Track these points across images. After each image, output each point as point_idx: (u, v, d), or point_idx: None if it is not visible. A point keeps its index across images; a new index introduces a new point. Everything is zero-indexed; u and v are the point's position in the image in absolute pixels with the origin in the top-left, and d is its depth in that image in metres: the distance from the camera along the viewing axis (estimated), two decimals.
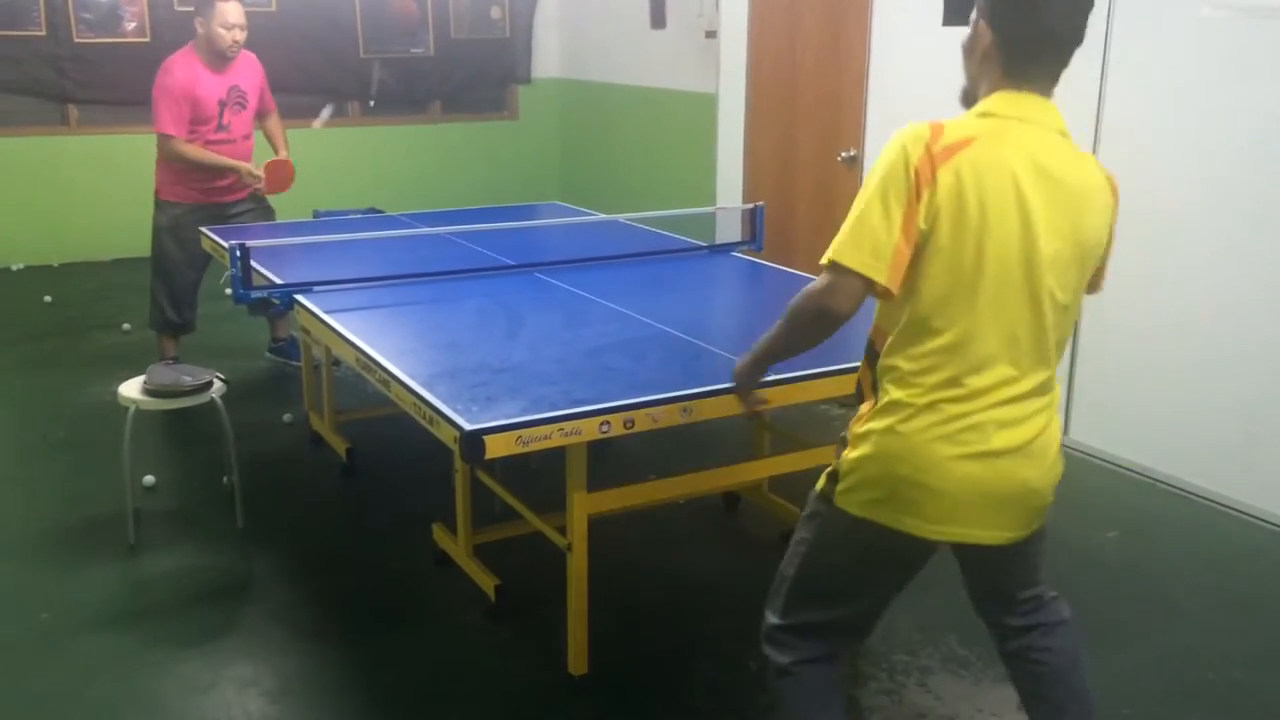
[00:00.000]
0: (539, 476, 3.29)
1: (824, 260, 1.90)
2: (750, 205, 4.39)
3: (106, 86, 7.23)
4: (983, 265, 1.84)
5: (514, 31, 8.56)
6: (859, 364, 2.76)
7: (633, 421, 2.43)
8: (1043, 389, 1.94)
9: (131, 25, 7.27)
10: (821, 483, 2.07)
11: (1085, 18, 1.87)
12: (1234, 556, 3.54)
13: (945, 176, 1.82)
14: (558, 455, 2.56)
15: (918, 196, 1.83)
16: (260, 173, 4.79)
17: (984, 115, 1.90)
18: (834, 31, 5.27)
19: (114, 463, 3.70)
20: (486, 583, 3.13)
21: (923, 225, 1.84)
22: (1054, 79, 1.91)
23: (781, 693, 2.16)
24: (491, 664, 2.91)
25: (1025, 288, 1.86)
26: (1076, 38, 1.87)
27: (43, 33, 7.09)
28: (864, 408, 2.04)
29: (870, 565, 2.07)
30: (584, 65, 8.42)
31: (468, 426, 2.28)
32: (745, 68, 5.89)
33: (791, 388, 2.66)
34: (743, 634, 3.06)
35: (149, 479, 3.94)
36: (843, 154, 5.29)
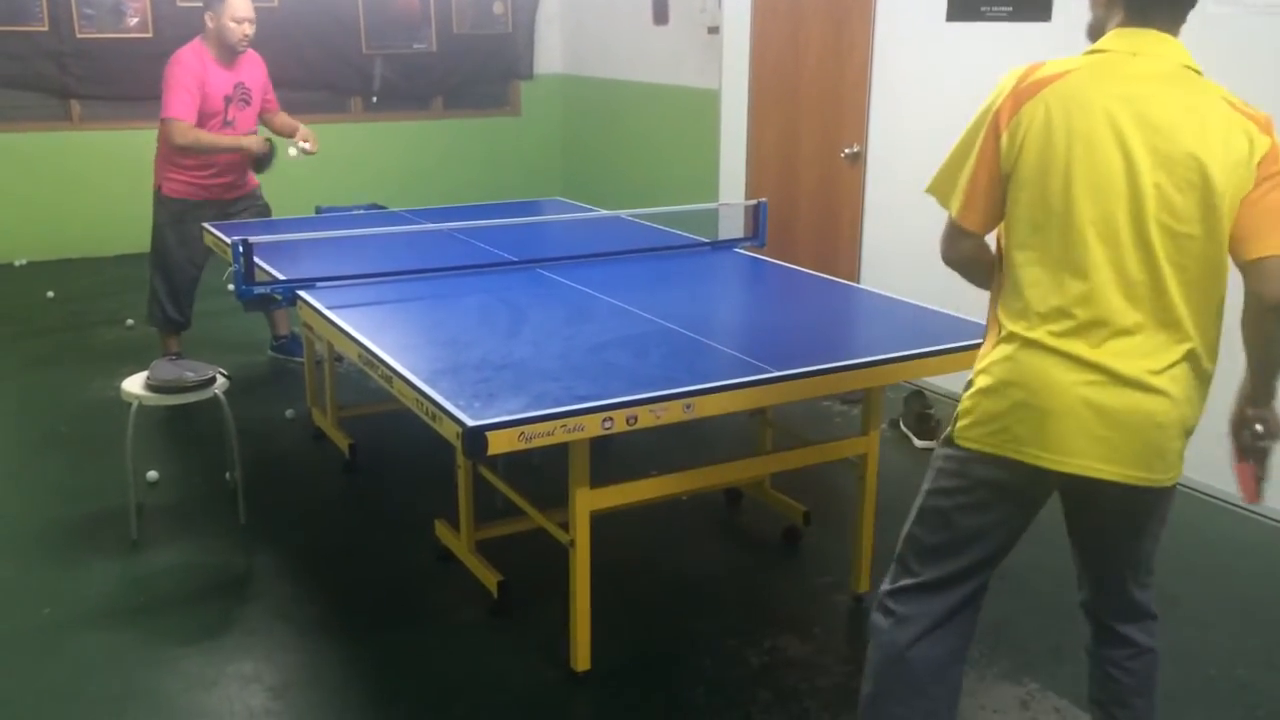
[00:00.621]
0: (541, 472, 3.28)
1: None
2: (753, 201, 4.39)
3: (109, 82, 7.23)
4: (1073, 198, 1.87)
5: (516, 27, 8.55)
6: (859, 361, 2.77)
7: (636, 418, 2.42)
8: (1172, 337, 1.89)
9: (134, 20, 7.27)
10: (946, 430, 2.08)
11: None
12: (1237, 552, 3.54)
13: (1029, 110, 1.90)
14: (560, 451, 2.56)
15: (997, 132, 1.92)
16: (263, 141, 4.73)
17: (1094, 51, 1.96)
18: (837, 27, 5.25)
19: (117, 458, 3.70)
20: (489, 579, 3.13)
21: (1005, 160, 1.91)
22: (1177, 20, 1.95)
23: (881, 635, 2.13)
24: (494, 660, 2.91)
25: (1131, 223, 1.85)
26: None
27: (45, 28, 7.08)
28: (984, 345, 2.06)
29: (989, 506, 2.04)
30: (586, 61, 8.42)
31: (470, 423, 2.28)
32: (748, 63, 5.88)
33: (793, 384, 2.65)
34: (745, 630, 3.07)
35: (152, 474, 3.95)
36: (846, 150, 5.28)
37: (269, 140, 4.77)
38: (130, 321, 5.86)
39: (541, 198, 6.51)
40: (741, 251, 4.14)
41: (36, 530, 3.61)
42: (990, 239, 2.07)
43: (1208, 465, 3.85)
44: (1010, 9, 4.34)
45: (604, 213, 4.76)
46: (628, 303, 3.30)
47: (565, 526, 2.73)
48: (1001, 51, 4.37)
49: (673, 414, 2.48)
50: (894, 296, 3.48)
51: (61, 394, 4.89)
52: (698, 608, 3.19)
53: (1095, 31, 2.02)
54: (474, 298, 3.42)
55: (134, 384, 3.54)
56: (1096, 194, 1.86)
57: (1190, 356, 1.92)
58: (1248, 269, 1.89)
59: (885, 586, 2.18)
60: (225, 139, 4.70)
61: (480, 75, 8.57)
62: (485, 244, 4.12)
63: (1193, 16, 3.98)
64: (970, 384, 2.04)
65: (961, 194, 1.97)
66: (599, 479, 2.67)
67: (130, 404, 3.50)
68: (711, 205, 6.02)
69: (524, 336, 3.00)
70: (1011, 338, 1.95)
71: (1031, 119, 1.89)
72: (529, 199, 6.27)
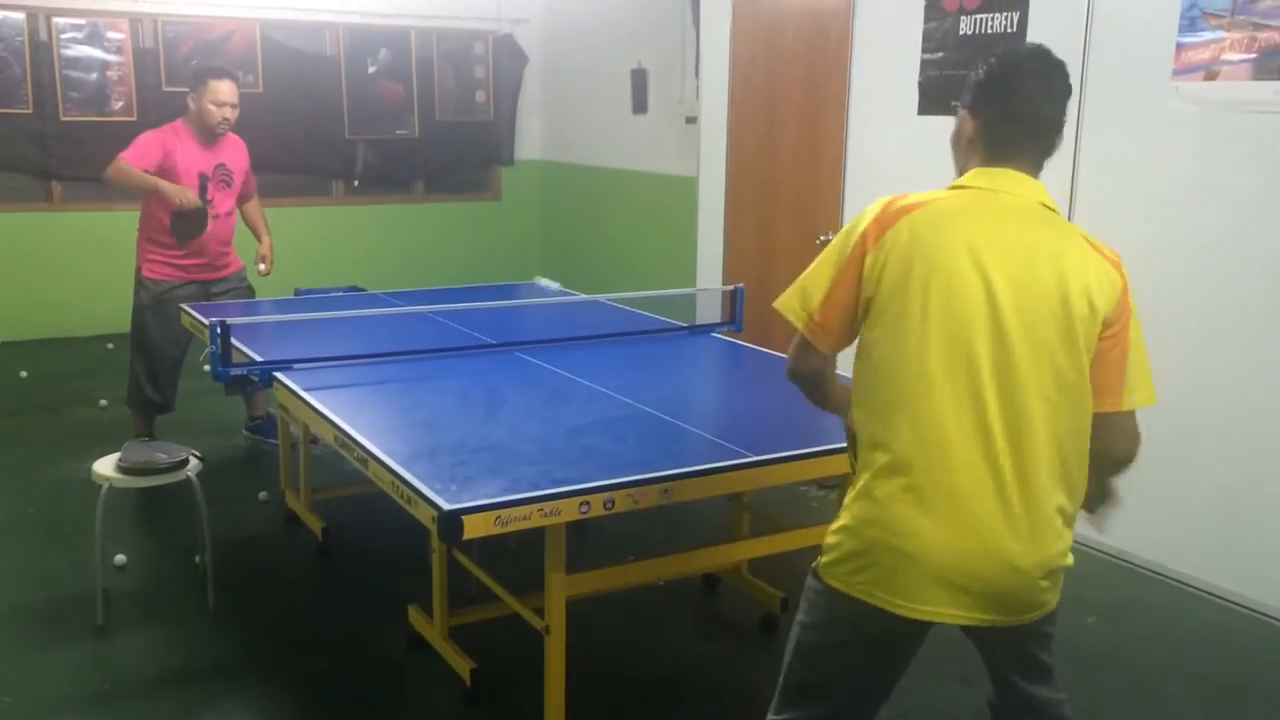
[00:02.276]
0: (517, 557, 3.26)
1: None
2: (730, 287, 4.43)
3: (91, 164, 7.17)
4: (927, 326, 1.84)
5: (498, 114, 8.70)
6: (837, 446, 2.78)
7: (613, 502, 2.42)
8: (1035, 476, 1.84)
9: (119, 105, 7.35)
10: (816, 559, 2.03)
11: (1060, 105, 1.96)
12: (1212, 641, 3.53)
13: (892, 235, 1.90)
14: (535, 535, 2.54)
15: (861, 255, 1.92)
16: (193, 196, 4.59)
17: (955, 187, 2.00)
18: (812, 118, 5.37)
19: (85, 541, 3.64)
20: (462, 666, 3.08)
21: (867, 284, 1.91)
22: (1036, 162, 1.99)
23: None
24: None
25: (991, 355, 1.82)
26: (1052, 123, 1.97)
27: (29, 110, 7.15)
28: (852, 476, 2.03)
29: (857, 648, 1.98)
30: (566, 148, 8.55)
31: (446, 506, 2.27)
32: (725, 152, 5.99)
33: (771, 469, 2.66)
34: (721, 717, 3.02)
35: (120, 558, 3.88)
36: (821, 237, 5.35)
37: (201, 202, 4.62)
38: (104, 402, 5.82)
39: (520, 281, 6.55)
40: (719, 336, 4.17)
41: (0, 614, 3.53)
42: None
43: (1182, 553, 3.87)
44: None
45: (583, 297, 4.80)
46: (606, 386, 3.31)
47: (540, 613, 2.70)
48: None
49: (650, 498, 2.48)
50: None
51: (31, 475, 4.82)
52: (674, 695, 3.15)
53: (957, 176, 2.07)
54: (452, 380, 3.43)
55: (105, 465, 3.51)
56: (955, 323, 1.83)
57: (1055, 498, 1.86)
58: (1095, 421, 1.91)
59: (770, 716, 2.11)
60: (147, 178, 4.56)
61: (462, 161, 8.69)
62: (464, 327, 4.13)
63: (1155, 113, 4.11)
64: (837, 515, 1.99)
65: (817, 311, 1.97)
66: (575, 564, 2.65)
67: (101, 485, 3.46)
68: (689, 290, 6.07)
69: (501, 420, 3.00)
70: (869, 473, 1.90)
71: (894, 244, 1.89)
72: (508, 283, 6.31)
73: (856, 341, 2.00)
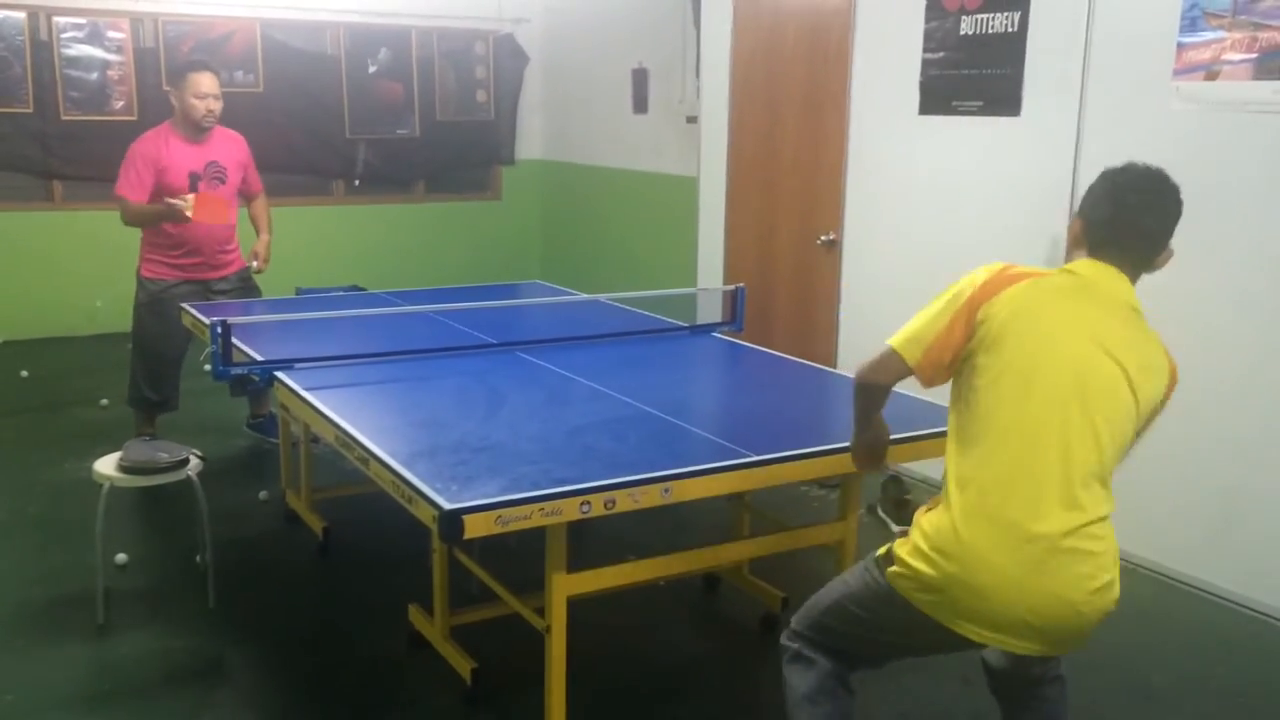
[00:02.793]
0: (517, 556, 3.26)
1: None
2: (731, 287, 4.43)
3: (92, 163, 7.27)
4: (1031, 387, 2.04)
5: (499, 114, 8.70)
6: (837, 446, 2.79)
7: (614, 502, 2.42)
8: (1105, 519, 2.08)
9: (119, 104, 7.35)
10: (882, 550, 2.21)
11: (1163, 222, 2.18)
12: (1213, 643, 3.53)
13: (1005, 297, 2.10)
14: (536, 535, 2.54)
15: (972, 306, 2.13)
16: (188, 201, 4.57)
17: (1063, 270, 2.19)
18: (813, 118, 5.37)
19: (86, 540, 3.65)
20: (463, 665, 3.08)
21: (976, 337, 2.10)
22: (1135, 265, 2.19)
23: (790, 677, 2.34)
24: None
25: (1077, 418, 2.03)
26: (1154, 234, 2.17)
27: (30, 110, 7.15)
28: (935, 499, 2.19)
29: (898, 634, 2.20)
30: (567, 148, 8.55)
31: (447, 506, 2.27)
32: (726, 152, 5.99)
33: (771, 469, 2.66)
34: (721, 717, 3.02)
35: (121, 557, 3.88)
36: (822, 237, 5.36)
37: (187, 205, 4.56)
38: (105, 401, 5.82)
39: (521, 281, 6.56)
40: (719, 336, 4.17)
41: (1, 614, 3.53)
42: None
43: (1183, 555, 3.87)
44: (980, 104, 4.45)
45: (583, 296, 4.80)
46: (606, 386, 3.31)
47: (541, 612, 2.70)
48: (972, 145, 4.49)
49: (650, 498, 2.48)
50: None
51: (32, 474, 4.83)
52: (675, 695, 3.15)
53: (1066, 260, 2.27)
54: (452, 380, 3.43)
55: (106, 465, 3.51)
56: (1053, 387, 2.04)
57: (1108, 546, 2.09)
58: None
59: (796, 624, 2.36)
60: (152, 210, 4.62)
61: (462, 160, 8.69)
62: (464, 326, 4.13)
63: (1156, 113, 4.11)
64: (918, 526, 2.15)
65: (924, 348, 2.17)
66: (576, 563, 2.65)
67: (102, 485, 3.47)
68: (690, 290, 6.07)
69: (502, 419, 3.00)
70: (954, 506, 2.08)
71: (1004, 305, 2.09)
72: (509, 282, 6.32)
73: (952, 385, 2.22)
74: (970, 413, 2.12)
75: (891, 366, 2.23)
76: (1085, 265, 2.18)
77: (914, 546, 2.11)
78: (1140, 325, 2.15)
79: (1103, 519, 2.06)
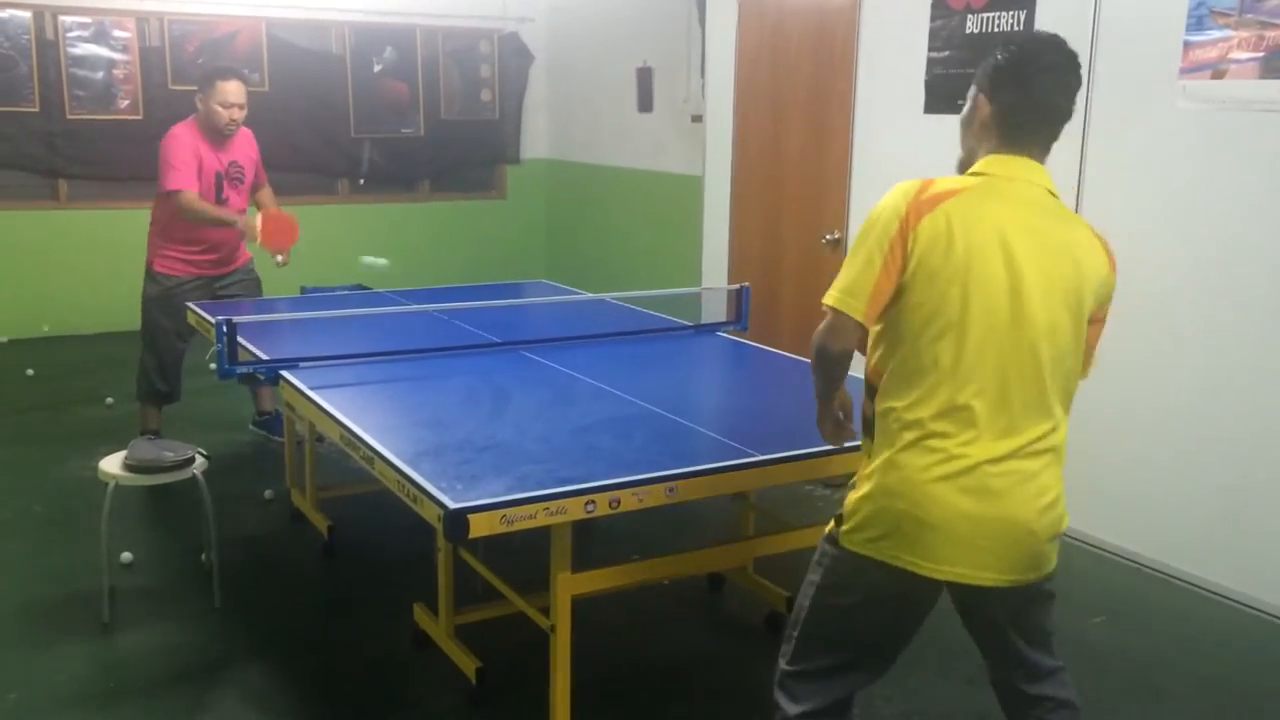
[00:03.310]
0: (522, 555, 3.26)
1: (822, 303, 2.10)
2: (736, 286, 4.43)
3: (97, 162, 7.30)
4: (968, 308, 1.97)
5: (504, 113, 8.70)
6: (844, 446, 2.77)
7: (618, 501, 2.42)
8: (1043, 437, 2.02)
9: (125, 103, 7.36)
10: (829, 525, 2.17)
11: (1072, 98, 2.07)
12: (1219, 642, 3.52)
13: (929, 222, 1.99)
14: (541, 534, 2.54)
15: (901, 240, 2.00)
16: (256, 224, 4.73)
17: (975, 174, 2.09)
18: (817, 117, 5.37)
19: (92, 539, 3.65)
20: (468, 665, 3.08)
21: (906, 267, 2.00)
22: (1045, 147, 2.12)
23: None
24: None
25: (1014, 333, 1.98)
26: (1066, 111, 2.07)
27: (36, 109, 7.15)
28: (864, 448, 2.14)
29: (876, 605, 2.13)
30: (572, 147, 8.55)
31: (452, 505, 2.27)
32: (730, 151, 5.99)
33: (776, 468, 2.66)
34: (726, 716, 3.02)
35: (126, 555, 3.89)
36: (827, 236, 5.35)
37: (256, 230, 4.75)
38: (110, 400, 5.83)
39: (526, 280, 6.56)
40: (724, 335, 4.17)
41: (6, 612, 3.54)
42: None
43: (1189, 554, 3.87)
44: None
45: (588, 295, 4.80)
46: (611, 385, 3.31)
47: (546, 611, 2.70)
48: None
49: (655, 497, 2.48)
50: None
51: (38, 473, 4.83)
52: (680, 694, 3.15)
53: (964, 164, 2.18)
54: (457, 379, 3.43)
55: (112, 463, 3.51)
56: (988, 304, 1.97)
57: (1054, 447, 2.04)
58: None
59: (783, 665, 2.26)
60: (224, 212, 4.74)
61: (467, 160, 8.69)
62: (469, 325, 4.13)
63: (1162, 111, 4.10)
64: (854, 485, 2.12)
65: (866, 298, 2.02)
66: (580, 563, 2.64)
67: (107, 484, 3.47)
68: (695, 289, 6.07)
69: (507, 419, 3.00)
70: (893, 445, 2.03)
71: (934, 230, 1.99)
72: (513, 281, 6.32)
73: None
74: (905, 348, 2.03)
75: (843, 328, 2.05)
76: (997, 163, 2.07)
77: (860, 495, 2.07)
78: (1064, 214, 2.08)
79: (1039, 438, 2.00)
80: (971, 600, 2.14)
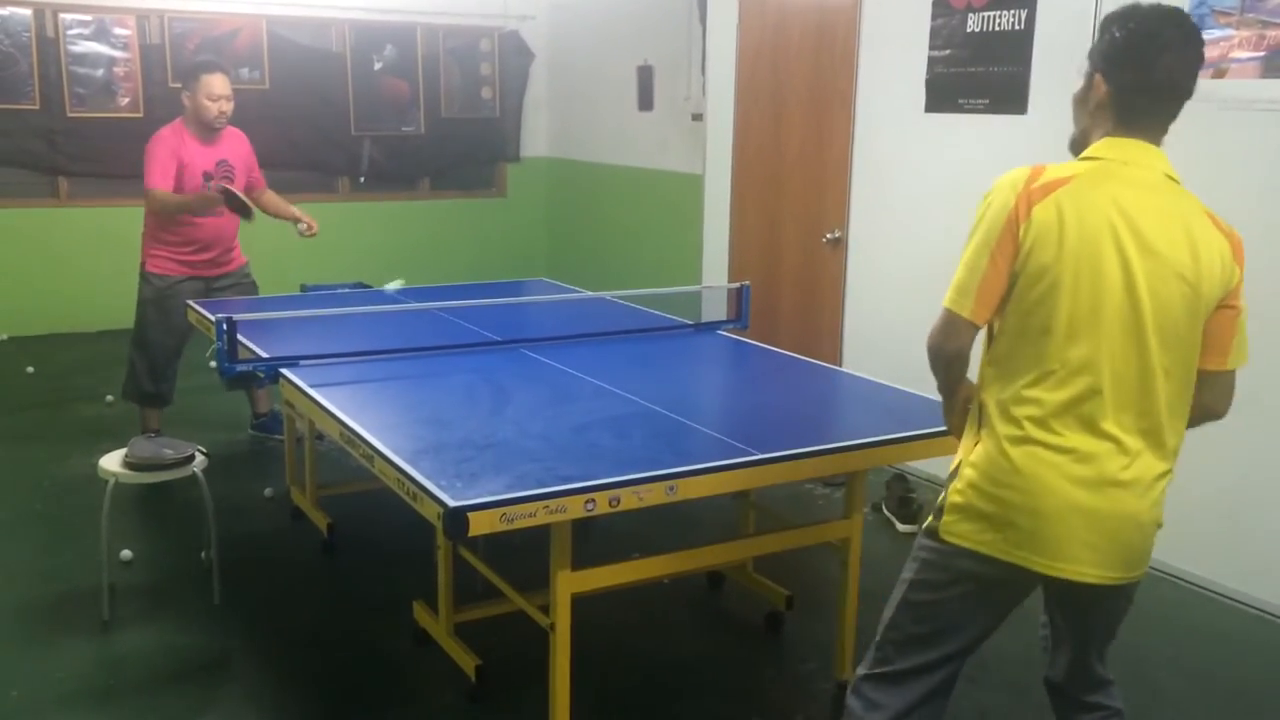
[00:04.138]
0: (521, 553, 3.26)
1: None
2: (736, 284, 4.43)
3: (97, 160, 7.29)
4: (1078, 298, 1.92)
5: (504, 111, 8.69)
6: (842, 444, 2.78)
7: (618, 499, 2.41)
8: (1152, 428, 1.97)
9: (125, 101, 7.36)
10: (928, 521, 2.11)
11: (1194, 73, 1.98)
12: (1218, 641, 3.52)
13: (1041, 212, 1.93)
14: (541, 533, 2.54)
15: (1011, 232, 1.95)
16: (215, 196, 4.62)
17: (1089, 159, 2.02)
18: (818, 116, 5.36)
19: (92, 536, 3.65)
20: (467, 662, 3.08)
21: (1019, 260, 1.95)
22: (1163, 129, 2.02)
23: None
24: None
25: (1126, 323, 1.92)
26: (1187, 90, 1.98)
27: (36, 106, 7.15)
28: (967, 440, 2.09)
29: (972, 598, 2.08)
30: (572, 145, 8.55)
31: (451, 503, 2.27)
32: (731, 150, 5.99)
33: (776, 467, 2.65)
34: (727, 716, 3.02)
35: (126, 553, 3.89)
36: (827, 235, 5.35)
37: (219, 193, 4.62)
38: (110, 398, 5.82)
39: (526, 278, 6.56)
40: (724, 334, 4.16)
41: (6, 610, 3.54)
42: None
43: (1188, 553, 3.86)
44: (987, 101, 4.44)
45: (588, 294, 4.79)
46: (611, 384, 3.31)
47: (545, 609, 2.70)
48: (979, 142, 4.47)
49: (655, 496, 2.47)
50: (875, 380, 3.50)
51: (38, 471, 4.83)
52: (679, 693, 3.15)
53: (1079, 143, 2.09)
54: (457, 377, 3.43)
55: (112, 461, 3.51)
56: (1100, 294, 1.91)
57: (1166, 458, 2.01)
58: (1199, 378, 2.04)
59: (862, 671, 2.20)
60: (188, 196, 4.67)
61: (467, 158, 8.68)
62: (469, 323, 4.13)
63: None
64: (956, 474, 2.06)
65: (974, 295, 1.98)
66: (580, 561, 2.64)
67: (107, 481, 3.47)
68: (695, 288, 6.07)
69: (507, 417, 3.00)
70: (1004, 434, 1.98)
71: (1045, 220, 1.92)
72: (514, 279, 6.32)
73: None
74: (1016, 339, 1.98)
75: (954, 327, 2.01)
76: (1113, 147, 1.99)
77: (966, 484, 2.01)
78: (1185, 198, 1.98)
79: (1149, 430, 1.96)
80: (1071, 597, 2.10)
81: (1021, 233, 1.94)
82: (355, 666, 3.24)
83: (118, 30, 7.30)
